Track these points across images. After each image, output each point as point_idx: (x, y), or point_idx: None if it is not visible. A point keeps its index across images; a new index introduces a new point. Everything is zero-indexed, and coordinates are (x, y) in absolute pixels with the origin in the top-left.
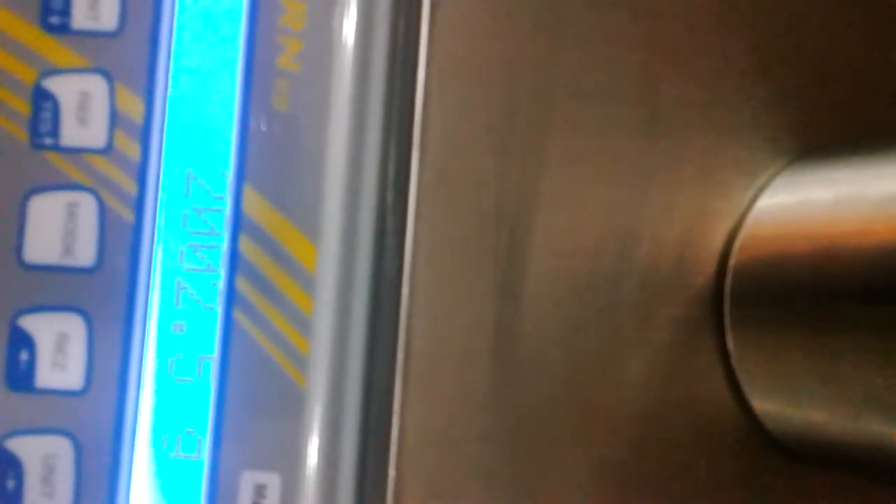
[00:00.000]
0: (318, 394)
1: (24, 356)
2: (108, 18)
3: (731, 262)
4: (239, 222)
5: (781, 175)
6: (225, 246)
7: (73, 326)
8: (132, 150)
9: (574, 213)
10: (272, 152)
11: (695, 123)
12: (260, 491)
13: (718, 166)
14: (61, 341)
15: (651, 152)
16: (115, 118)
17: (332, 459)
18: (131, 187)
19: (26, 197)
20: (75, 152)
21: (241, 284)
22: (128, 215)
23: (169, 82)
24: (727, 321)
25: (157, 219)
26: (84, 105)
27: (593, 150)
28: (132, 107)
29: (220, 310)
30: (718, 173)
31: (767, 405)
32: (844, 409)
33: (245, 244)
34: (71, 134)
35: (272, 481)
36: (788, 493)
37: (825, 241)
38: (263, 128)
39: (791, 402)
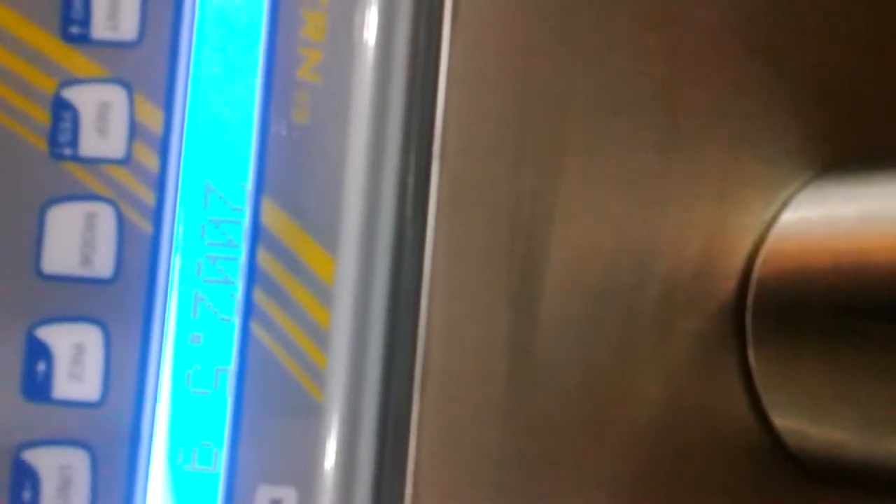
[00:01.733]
0: (335, 407)
1: (41, 367)
2: (127, 29)
3: (754, 276)
4: (257, 234)
5: (805, 189)
6: (243, 258)
7: (91, 337)
8: (151, 161)
9: (591, 226)
10: (291, 164)
11: (715, 137)
12: None
13: (740, 180)
14: (78, 352)
15: (670, 165)
16: (134, 129)
17: (349, 474)
18: (150, 198)
19: (45, 207)
20: (94, 163)
21: (259, 297)
22: (146, 226)
23: (188, 93)
24: (749, 337)
25: (176, 230)
26: (103, 115)
27: (611, 163)
28: (151, 118)
29: (237, 322)
30: (740, 187)
31: (789, 423)
32: (868, 429)
33: (263, 256)
34: (90, 144)
35: (288, 495)
36: None
37: (850, 256)
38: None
39: (813, 421)
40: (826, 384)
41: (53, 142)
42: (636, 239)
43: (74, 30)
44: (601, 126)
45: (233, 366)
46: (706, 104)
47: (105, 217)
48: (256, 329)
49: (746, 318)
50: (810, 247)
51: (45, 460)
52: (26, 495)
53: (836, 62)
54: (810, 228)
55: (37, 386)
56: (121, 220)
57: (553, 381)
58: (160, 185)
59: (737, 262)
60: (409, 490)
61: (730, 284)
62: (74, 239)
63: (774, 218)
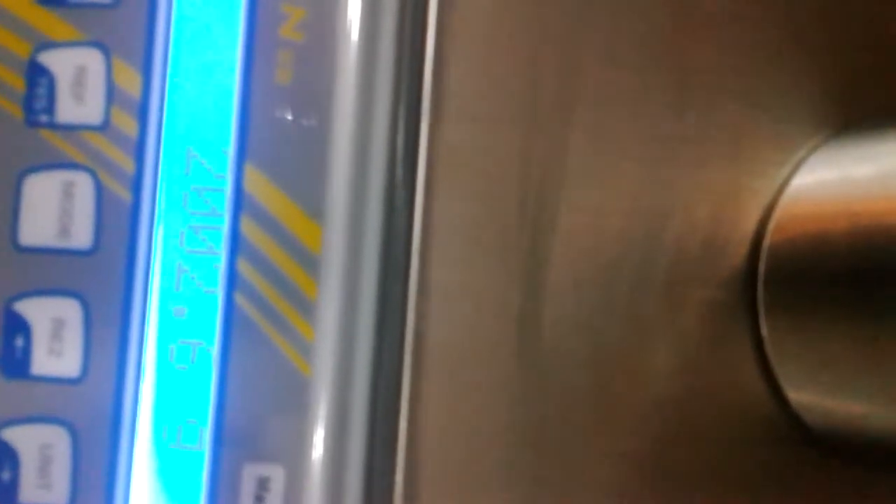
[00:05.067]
0: (323, 383)
1: (19, 342)
2: None
3: (766, 242)
4: (240, 202)
5: (820, 150)
6: (226, 227)
7: (70, 311)
8: (130, 127)
9: (600, 190)
10: (274, 128)
11: (728, 95)
12: (263, 484)
13: (753, 140)
14: (57, 327)
15: (682, 126)
16: (112, 94)
17: (339, 451)
18: (129, 166)
19: (21, 177)
20: (71, 130)
21: (243, 267)
22: (125, 195)
23: (168, 56)
24: (761, 306)
25: (157, 199)
26: (80, 80)
27: (621, 124)
28: (130, 82)
29: (221, 294)
30: (753, 148)
31: (804, 396)
32: (887, 401)
33: (247, 225)
34: (67, 110)
35: (276, 474)
36: (825, 490)
37: (867, 219)
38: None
39: (829, 393)
40: (844, 354)
41: (29, 108)
42: (647, 204)
43: None
44: (610, 86)
45: (217, 340)
46: (720, 61)
47: (83, 186)
48: (241, 301)
49: (758, 287)
50: (825, 210)
51: (24, 439)
52: (5, 475)
53: (855, 16)
54: (825, 191)
55: (15, 362)
56: (99, 189)
57: (560, 353)
58: (139, 152)
59: (748, 227)
60: (401, 466)
61: (741, 250)
62: (52, 209)
63: (787, 180)
